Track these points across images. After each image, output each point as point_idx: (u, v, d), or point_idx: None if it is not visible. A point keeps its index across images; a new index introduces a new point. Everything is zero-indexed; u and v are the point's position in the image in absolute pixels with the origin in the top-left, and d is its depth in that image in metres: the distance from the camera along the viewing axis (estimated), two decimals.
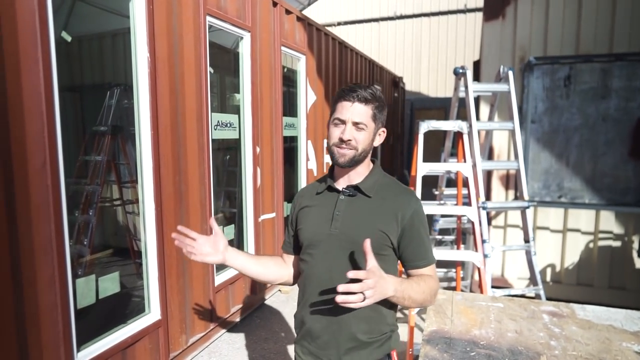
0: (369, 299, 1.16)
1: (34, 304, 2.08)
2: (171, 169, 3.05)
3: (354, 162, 1.40)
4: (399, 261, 1.48)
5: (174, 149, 3.07)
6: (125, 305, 3.45)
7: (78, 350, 2.37)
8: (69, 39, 2.44)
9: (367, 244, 1.23)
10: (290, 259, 1.64)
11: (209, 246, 1.45)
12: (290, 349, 3.50)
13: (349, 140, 1.36)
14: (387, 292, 1.23)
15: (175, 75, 3.07)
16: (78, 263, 3.93)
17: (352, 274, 1.15)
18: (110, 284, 2.75)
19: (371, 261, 1.21)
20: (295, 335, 1.58)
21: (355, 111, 1.36)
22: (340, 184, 1.48)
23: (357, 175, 1.46)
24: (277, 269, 1.62)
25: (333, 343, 1.42)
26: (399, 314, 4.09)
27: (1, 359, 1.93)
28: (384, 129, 1.47)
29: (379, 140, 1.46)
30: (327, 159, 6.00)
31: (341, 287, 1.14)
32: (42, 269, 2.12)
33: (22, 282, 2.02)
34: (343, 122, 1.37)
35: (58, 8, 2.22)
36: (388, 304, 1.40)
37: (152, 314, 2.97)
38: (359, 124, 1.36)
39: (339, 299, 1.14)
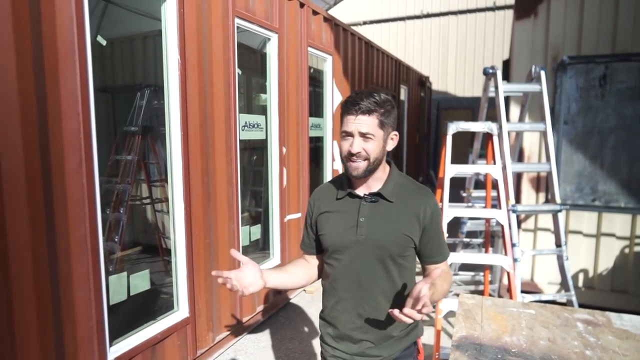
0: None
1: (69, 299, 2.16)
2: (200, 169, 3.10)
3: (369, 172, 1.41)
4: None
5: (202, 150, 3.12)
6: (154, 302, 3.53)
7: (110, 345, 2.44)
8: (104, 43, 2.51)
9: (436, 273, 1.30)
10: (312, 258, 1.66)
11: (249, 277, 1.38)
12: (315, 349, 3.51)
13: (359, 152, 1.37)
14: None
15: (204, 77, 3.12)
16: (109, 260, 4.04)
17: (407, 311, 1.20)
18: (141, 281, 2.81)
19: (424, 289, 1.22)
20: (321, 335, 1.62)
21: (361, 123, 1.35)
22: (361, 191, 1.49)
23: (376, 182, 1.47)
24: (305, 273, 1.63)
25: (365, 339, 1.49)
26: (425, 317, 4.04)
27: (40, 353, 2.01)
28: (396, 133, 1.46)
29: (391, 145, 1.45)
30: None
31: (407, 311, 1.20)
32: (78, 265, 2.19)
33: (59, 279, 2.10)
34: (350, 134, 1.38)
35: (92, 11, 2.28)
36: None
37: (181, 311, 3.03)
38: (366, 134, 1.36)
39: (399, 316, 1.21)
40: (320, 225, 1.54)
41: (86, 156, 2.21)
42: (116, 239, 4.17)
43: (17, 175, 1.90)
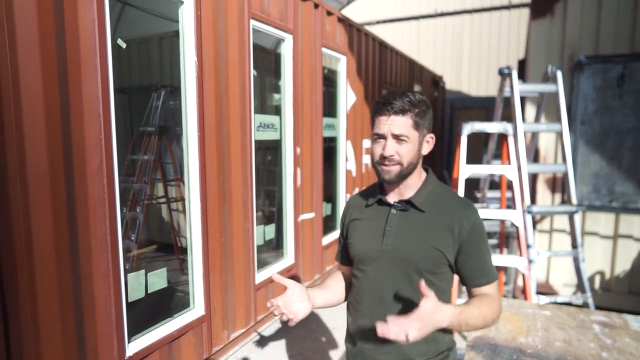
0: (413, 338, 1.08)
1: (90, 296, 2.21)
2: (216, 169, 3.15)
3: (401, 177, 1.31)
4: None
5: (218, 150, 3.17)
6: (170, 300, 3.59)
7: (129, 341, 2.50)
8: (124, 45, 2.56)
9: (423, 285, 1.12)
10: (346, 269, 1.57)
11: (297, 301, 1.28)
12: (329, 349, 3.53)
13: (391, 155, 1.27)
14: (441, 324, 1.14)
15: (220, 78, 3.16)
16: (126, 258, 4.11)
17: (394, 322, 1.08)
18: (158, 279, 2.86)
19: (425, 303, 1.10)
20: (345, 349, 1.52)
21: (394, 124, 1.26)
22: (391, 198, 1.39)
23: (409, 189, 1.37)
24: (344, 287, 1.54)
25: None
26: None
27: (62, 347, 2.06)
28: (432, 135, 1.35)
29: (427, 149, 1.35)
30: (366, 159, 5.99)
31: (391, 322, 1.08)
32: (98, 263, 2.25)
33: (80, 276, 2.15)
34: (382, 136, 1.28)
35: (110, 13, 2.32)
36: None
37: (197, 309, 3.08)
38: (399, 136, 1.26)
39: (379, 331, 1.08)
40: (349, 233, 1.46)
41: (106, 156, 2.26)
42: (133, 238, 4.24)
43: (41, 175, 1.95)
